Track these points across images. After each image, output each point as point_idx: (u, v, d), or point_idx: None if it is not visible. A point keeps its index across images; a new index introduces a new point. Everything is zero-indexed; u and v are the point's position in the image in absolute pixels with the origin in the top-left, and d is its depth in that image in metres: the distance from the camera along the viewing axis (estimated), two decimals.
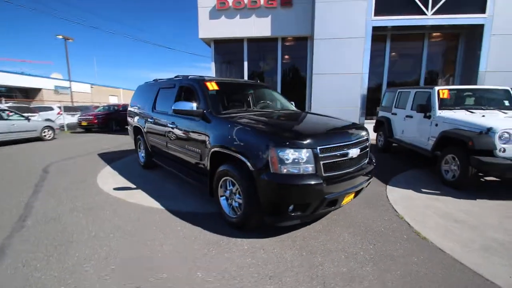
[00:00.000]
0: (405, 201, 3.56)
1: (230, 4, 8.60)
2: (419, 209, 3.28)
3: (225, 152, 2.74)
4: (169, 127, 3.82)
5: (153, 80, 5.09)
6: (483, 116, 4.17)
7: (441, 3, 7.55)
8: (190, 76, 3.90)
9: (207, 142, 3.00)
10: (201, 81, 3.53)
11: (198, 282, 1.94)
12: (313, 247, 2.41)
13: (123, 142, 9.01)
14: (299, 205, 2.32)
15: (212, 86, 3.46)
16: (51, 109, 13.69)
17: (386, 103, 6.99)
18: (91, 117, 12.31)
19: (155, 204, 3.41)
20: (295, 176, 2.26)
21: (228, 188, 2.78)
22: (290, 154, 2.26)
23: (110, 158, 6.20)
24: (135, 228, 2.77)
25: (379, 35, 8.32)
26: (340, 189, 2.46)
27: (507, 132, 3.50)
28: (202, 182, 3.35)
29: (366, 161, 2.91)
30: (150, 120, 4.48)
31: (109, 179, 4.54)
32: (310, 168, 2.31)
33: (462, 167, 3.82)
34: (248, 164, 2.40)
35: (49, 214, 3.09)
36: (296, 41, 9.09)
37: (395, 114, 6.22)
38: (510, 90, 4.73)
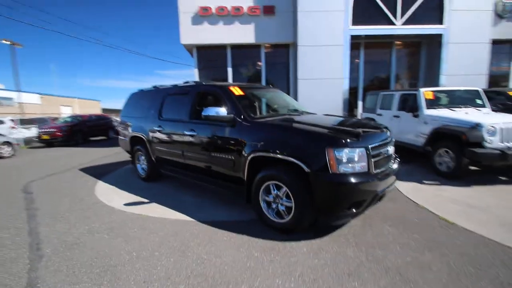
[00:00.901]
0: (417, 192, 3.87)
1: (213, 10, 8.54)
2: (432, 198, 3.61)
3: (268, 157, 2.72)
4: (186, 134, 3.65)
5: (153, 87, 4.83)
6: (466, 113, 4.77)
7: (408, 15, 8.45)
8: (206, 83, 3.80)
9: (243, 148, 2.94)
10: (225, 87, 3.46)
11: None
12: (367, 242, 2.50)
13: (100, 155, 8.29)
14: (356, 202, 2.40)
15: (238, 91, 3.42)
16: (1, 122, 11.97)
17: (369, 105, 7.55)
18: (53, 129, 11.05)
19: (183, 217, 3.21)
20: (353, 174, 2.34)
21: (273, 192, 2.75)
22: (347, 154, 2.34)
23: (98, 173, 5.65)
24: (178, 243, 2.58)
25: (354, 43, 8.97)
26: (385, 185, 2.61)
27: (493, 126, 4.05)
28: (231, 189, 3.26)
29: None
30: (157, 129, 4.22)
31: (112, 195, 4.14)
32: (364, 166, 2.41)
33: (456, 159, 4.29)
34: (304, 166, 2.41)
35: (67, 239, 2.72)
36: (278, 48, 9.35)
37: (380, 115, 6.74)
38: (480, 90, 5.47)
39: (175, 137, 3.91)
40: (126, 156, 7.89)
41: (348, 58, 8.55)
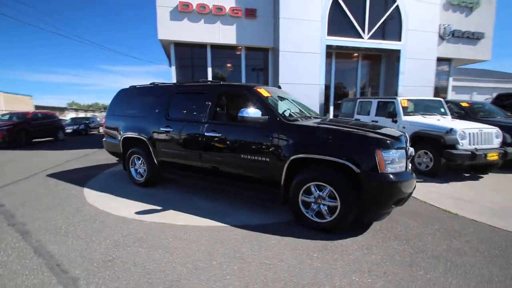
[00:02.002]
0: None
1: (194, 7, 8.22)
2: (426, 194, 4.12)
3: (310, 158, 2.79)
4: (207, 136, 3.47)
5: (151, 84, 4.46)
6: (438, 120, 5.57)
7: (373, 30, 9.43)
8: (228, 83, 3.69)
9: (280, 150, 2.95)
10: (252, 88, 3.41)
11: (364, 285, 1.97)
12: (403, 235, 2.76)
13: (63, 159, 7.24)
14: (399, 199, 2.64)
15: (265, 92, 3.40)
16: None
17: (346, 110, 8.18)
18: None
19: (213, 223, 3.05)
20: (397, 173, 2.57)
21: (314, 193, 2.82)
22: (392, 155, 2.56)
23: (75, 179, 4.93)
24: (229, 250, 2.46)
25: (327, 52, 9.63)
26: (415, 183, 2.92)
27: (463, 131, 4.82)
28: (262, 192, 3.25)
29: None
30: (164, 130, 3.91)
31: (112, 203, 3.68)
32: (403, 165, 2.67)
33: (435, 159, 4.99)
34: (354, 167, 2.55)
35: (94, 257, 2.35)
36: (258, 51, 9.47)
37: (358, 120, 7.38)
38: (442, 101, 6.44)
39: (191, 139, 3.69)
40: (97, 159, 7.09)
41: (324, 65, 9.14)
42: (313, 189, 2.82)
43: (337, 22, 9.14)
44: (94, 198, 3.93)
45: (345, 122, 3.46)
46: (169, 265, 2.22)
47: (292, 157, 2.86)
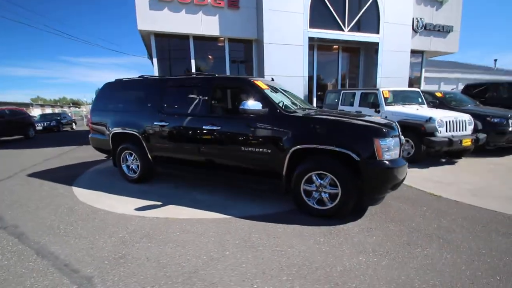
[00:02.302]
0: None
1: None
2: (411, 179, 4.41)
3: (312, 148, 2.90)
4: (205, 129, 3.46)
5: (140, 77, 4.31)
6: (417, 109, 5.94)
7: (353, 23, 9.70)
8: (223, 75, 3.66)
9: (282, 141, 3.03)
10: (250, 80, 3.43)
11: (378, 266, 2.14)
12: (397, 217, 2.98)
13: (40, 158, 6.81)
14: (396, 184, 2.83)
15: (263, 84, 3.44)
16: None
17: (330, 102, 8.43)
18: None
19: (218, 215, 3.09)
20: (393, 160, 2.76)
21: (316, 182, 2.94)
22: (388, 143, 2.73)
23: (60, 178, 4.70)
24: (239, 240, 2.52)
25: (309, 44, 9.77)
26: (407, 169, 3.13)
27: (441, 120, 5.20)
28: (262, 183, 3.33)
29: None
30: (158, 124, 3.82)
31: (107, 201, 3.58)
32: (397, 153, 2.86)
33: (416, 146, 5.35)
34: (354, 155, 2.69)
35: (103, 255, 2.30)
36: (242, 43, 9.38)
37: (343, 110, 7.65)
38: (419, 91, 6.85)
39: (187, 133, 3.65)
40: (79, 157, 6.75)
41: (307, 57, 9.29)
42: (314, 178, 2.94)
43: (319, 14, 9.28)
44: (86, 196, 3.79)
45: (340, 113, 3.60)
46: (183, 257, 2.24)
47: (293, 148, 2.95)
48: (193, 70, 8.84)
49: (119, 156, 4.35)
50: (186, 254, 2.30)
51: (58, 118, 16.51)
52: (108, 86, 4.57)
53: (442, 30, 11.89)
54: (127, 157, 4.30)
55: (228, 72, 9.34)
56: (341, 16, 9.55)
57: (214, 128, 3.41)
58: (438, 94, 7.43)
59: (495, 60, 28.19)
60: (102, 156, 6.55)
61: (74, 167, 5.70)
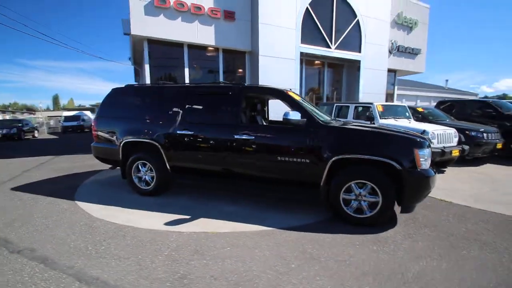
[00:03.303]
0: None
1: (171, 3, 7.76)
2: None
3: (353, 158, 2.99)
4: (238, 139, 3.37)
5: (157, 83, 4.11)
6: (409, 122, 6.45)
7: (339, 41, 10.34)
8: (254, 85, 3.64)
9: (321, 151, 3.08)
10: (284, 91, 3.46)
11: (442, 270, 2.23)
12: (427, 223, 3.14)
13: (13, 169, 6.04)
14: (429, 191, 3.02)
15: (296, 96, 3.49)
16: None
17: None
18: None
19: (258, 227, 3.00)
20: (429, 170, 2.94)
21: (355, 191, 3.02)
22: (425, 153, 2.93)
23: (54, 192, 4.19)
24: (297, 252, 2.46)
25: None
26: None
27: (433, 132, 5.71)
28: (295, 193, 3.33)
29: None
30: (182, 133, 3.64)
31: (128, 216, 3.27)
32: (429, 162, 3.07)
33: None
34: (396, 165, 2.83)
35: (159, 276, 2.08)
36: (236, 54, 9.42)
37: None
38: (406, 106, 7.46)
39: (215, 142, 3.53)
40: (63, 168, 6.13)
41: (298, 71, 9.63)
42: (353, 187, 3.02)
43: (309, 32, 9.74)
44: (99, 211, 3.42)
45: (370, 125, 3.78)
46: (250, 273, 2.13)
47: (334, 158, 3.01)
48: (186, 78, 8.63)
49: (130, 167, 4.02)
50: (251, 269, 2.18)
51: (20, 125, 14.71)
52: (117, 92, 4.26)
53: (412, 52, 13.20)
54: (140, 167, 3.99)
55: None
56: (328, 34, 10.13)
57: (247, 137, 3.35)
58: (420, 109, 8.16)
59: (446, 80, 31.88)
60: (90, 166, 6.06)
61: (64, 179, 5.13)
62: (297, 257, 2.38)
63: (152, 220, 3.16)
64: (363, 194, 2.99)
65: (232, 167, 3.50)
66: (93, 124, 4.30)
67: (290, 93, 3.47)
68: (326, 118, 3.73)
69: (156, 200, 3.84)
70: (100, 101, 4.30)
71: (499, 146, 6.57)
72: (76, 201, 3.80)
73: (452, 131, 6.02)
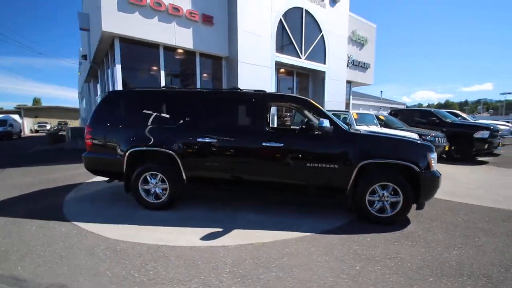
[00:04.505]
0: None
1: (148, 1, 7.24)
2: None
3: (378, 163, 3.28)
4: (265, 147, 3.36)
5: (164, 87, 3.82)
6: (381, 129, 7.24)
7: (308, 52, 11.04)
8: (276, 93, 3.67)
9: (349, 157, 3.29)
10: (308, 100, 3.58)
11: (471, 255, 2.59)
12: (433, 217, 3.61)
13: None
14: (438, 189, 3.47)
15: (318, 105, 3.64)
16: None
17: (298, 120, 9.19)
18: None
19: (298, 234, 3.01)
20: (437, 171, 3.40)
21: (379, 192, 3.30)
22: (435, 157, 3.38)
23: (33, 213, 3.49)
24: (351, 255, 2.57)
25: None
26: None
27: None
28: (324, 197, 3.48)
29: None
30: (203, 140, 3.45)
31: (150, 233, 2.94)
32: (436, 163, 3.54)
33: None
34: (415, 167, 3.20)
35: None
36: (213, 59, 9.24)
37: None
38: (373, 114, 8.36)
39: (240, 150, 3.45)
40: (21, 184, 5.11)
41: (274, 78, 9.94)
42: (377, 189, 3.30)
43: (282, 42, 10.19)
44: (114, 232, 2.99)
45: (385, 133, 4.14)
46: (328, 280, 2.15)
47: (361, 163, 3.25)
48: (163, 80, 8.09)
49: (136, 179, 3.61)
50: (325, 276, 2.21)
51: None
52: (116, 96, 3.81)
53: (363, 66, 14.86)
54: (149, 179, 3.62)
55: (199, 86, 8.96)
56: (299, 45, 10.74)
57: (276, 145, 3.37)
58: (382, 117, 9.22)
59: (381, 92, 36.50)
60: (54, 181, 5.25)
61: (36, 197, 4.30)
62: (356, 259, 2.49)
63: (185, 237, 2.90)
64: (386, 195, 3.29)
65: (258, 176, 3.46)
66: (86, 131, 3.73)
67: (313, 102, 3.62)
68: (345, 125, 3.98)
69: (170, 215, 3.52)
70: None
71: (446, 148, 7.86)
72: (73, 222, 3.23)
73: (416, 136, 6.99)
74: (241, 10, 8.68)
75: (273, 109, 9.74)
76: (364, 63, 14.79)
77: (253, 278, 2.17)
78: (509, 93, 56.22)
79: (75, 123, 34.03)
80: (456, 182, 5.72)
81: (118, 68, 7.30)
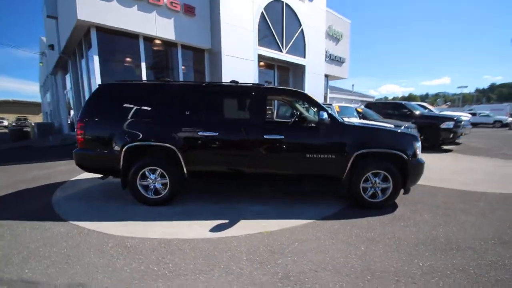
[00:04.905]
0: None
1: None
2: None
3: (375, 152, 3.52)
4: (267, 139, 3.46)
5: (164, 81, 3.74)
6: (362, 120, 7.66)
7: (289, 46, 11.20)
8: (275, 86, 3.74)
9: (345, 147, 3.50)
10: (306, 93, 3.72)
11: (455, 229, 2.93)
12: (417, 201, 3.98)
13: None
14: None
15: (312, 96, 3.79)
16: None
17: (282, 113, 9.37)
18: None
19: (301, 222, 3.17)
20: (421, 158, 3.74)
21: (372, 179, 3.57)
22: (419, 146, 3.71)
23: (19, 214, 3.28)
24: (354, 237, 2.78)
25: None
26: None
27: None
28: (321, 185, 3.68)
29: None
30: (204, 134, 3.46)
31: (155, 228, 2.93)
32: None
33: None
34: (403, 156, 3.50)
35: (263, 280, 2.06)
36: (194, 51, 9.01)
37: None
38: (353, 107, 8.78)
39: (242, 143, 3.51)
40: (7, 183, 4.60)
41: (257, 71, 9.98)
42: (370, 176, 3.56)
43: (264, 35, 10.22)
44: (118, 229, 2.92)
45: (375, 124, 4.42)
46: (339, 260, 2.33)
47: (356, 153, 3.48)
48: (144, 75, 7.77)
49: (134, 175, 3.52)
50: (336, 257, 2.38)
51: None
52: (111, 90, 3.64)
53: (339, 61, 15.40)
54: (148, 174, 3.55)
55: (181, 79, 8.73)
56: (280, 39, 10.85)
57: (277, 137, 3.48)
58: (359, 110, 9.72)
59: (353, 85, 38.03)
60: (34, 180, 4.95)
61: (18, 198, 4.01)
62: (359, 241, 2.71)
63: (193, 230, 2.93)
64: (378, 182, 3.57)
65: (259, 168, 3.55)
66: (77, 126, 3.53)
67: (310, 95, 3.76)
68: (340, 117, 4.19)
69: (171, 210, 3.50)
70: None
71: None
72: (71, 222, 3.10)
73: (392, 126, 7.50)
74: (224, 1, 8.54)
75: None
76: (340, 58, 15.34)
77: (271, 263, 2.28)
78: (465, 87, 62.26)
79: (36, 119, 31.33)
80: (429, 168, 6.25)
81: (96, 59, 6.87)
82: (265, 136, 3.47)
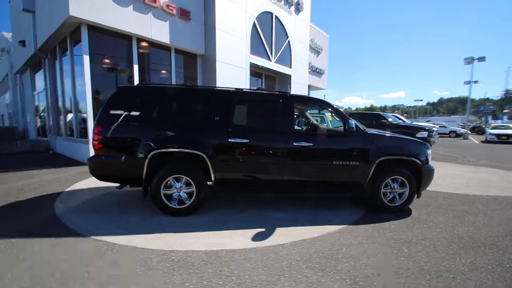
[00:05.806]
0: None
1: None
2: None
3: (393, 159, 3.74)
4: (295, 147, 3.50)
5: (182, 85, 3.62)
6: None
7: (277, 56, 11.47)
8: (299, 95, 3.81)
9: (368, 154, 3.68)
10: (329, 102, 3.83)
11: (470, 229, 3.20)
12: (428, 203, 4.29)
13: None
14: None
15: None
16: None
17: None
18: None
19: (335, 227, 3.24)
20: (431, 165, 4.05)
21: (391, 185, 3.78)
22: (430, 153, 4.02)
23: (22, 230, 2.91)
24: (389, 241, 2.91)
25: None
26: None
27: None
28: (342, 193, 3.82)
29: None
30: (234, 141, 3.39)
31: (192, 240, 2.78)
32: None
33: None
34: (418, 162, 3.77)
35: (333, 286, 2.06)
36: (187, 55, 8.81)
37: None
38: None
39: (274, 151, 3.50)
40: (4, 195, 3.98)
41: (249, 79, 10.04)
42: (390, 182, 3.77)
43: (255, 44, 10.37)
44: (152, 242, 2.72)
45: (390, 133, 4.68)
46: (392, 262, 2.42)
47: (378, 159, 3.67)
48: (136, 78, 7.37)
49: (158, 184, 3.31)
50: (387, 259, 2.47)
51: None
52: (132, 92, 3.42)
53: (320, 72, 16.14)
54: (173, 183, 3.36)
55: (173, 83, 8.44)
56: (270, 48, 11.08)
57: (306, 144, 3.54)
58: None
59: (324, 96, 39.83)
60: (21, 191, 4.41)
61: (12, 213, 3.51)
62: (398, 243, 2.84)
63: (234, 240, 2.84)
64: (396, 187, 3.79)
65: (287, 175, 3.57)
66: (94, 131, 3.23)
67: (335, 105, 3.90)
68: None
69: (198, 219, 3.35)
70: None
71: None
72: (93, 237, 2.80)
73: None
74: (219, 8, 8.54)
75: None
76: (320, 69, 16.09)
77: (332, 270, 2.30)
78: (420, 100, 69.89)
79: None
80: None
81: (86, 59, 6.36)
82: (294, 144, 3.51)
